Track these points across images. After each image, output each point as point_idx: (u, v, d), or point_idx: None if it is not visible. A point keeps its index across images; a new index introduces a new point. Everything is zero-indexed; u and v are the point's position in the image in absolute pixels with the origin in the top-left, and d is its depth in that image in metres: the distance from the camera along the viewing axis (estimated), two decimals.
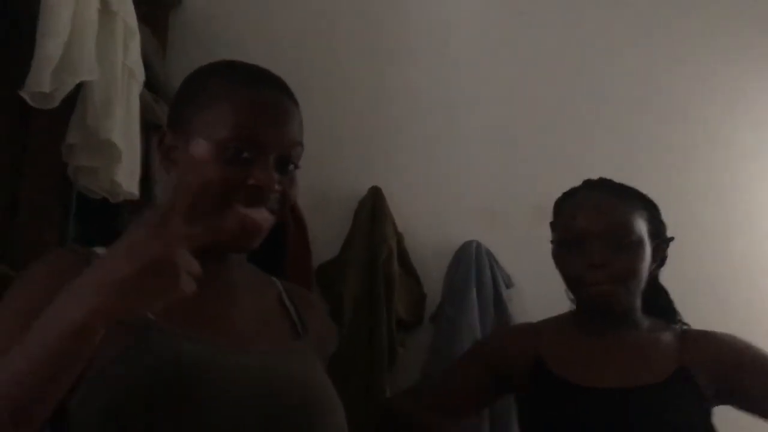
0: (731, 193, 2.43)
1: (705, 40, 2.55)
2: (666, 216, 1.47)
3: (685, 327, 1.46)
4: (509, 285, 2.22)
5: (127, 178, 1.46)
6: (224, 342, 0.93)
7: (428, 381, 1.62)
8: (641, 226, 1.37)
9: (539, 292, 2.16)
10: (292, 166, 0.99)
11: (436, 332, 2.11)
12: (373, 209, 2.16)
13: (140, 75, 1.57)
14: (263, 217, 0.95)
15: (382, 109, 2.37)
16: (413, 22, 2.45)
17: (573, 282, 1.39)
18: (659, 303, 1.48)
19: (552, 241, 1.46)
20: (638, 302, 1.40)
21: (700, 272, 2.25)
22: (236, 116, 0.95)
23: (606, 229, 1.34)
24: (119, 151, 1.39)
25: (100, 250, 0.96)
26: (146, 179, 1.68)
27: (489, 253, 2.21)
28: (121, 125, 1.41)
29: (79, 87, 1.34)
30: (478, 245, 2.20)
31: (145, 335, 0.87)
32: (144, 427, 0.83)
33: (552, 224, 1.48)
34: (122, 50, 1.45)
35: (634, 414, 1.28)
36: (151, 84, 1.80)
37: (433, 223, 2.29)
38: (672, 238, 1.46)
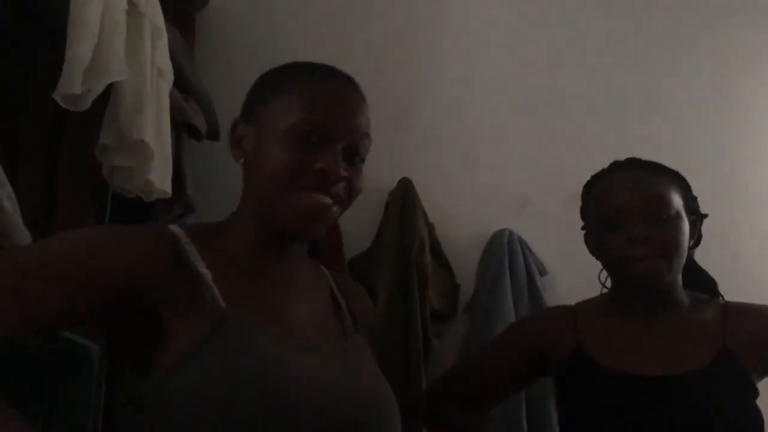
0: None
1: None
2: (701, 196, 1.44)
3: (731, 302, 1.41)
4: (543, 273, 2.20)
5: (160, 177, 1.47)
6: (294, 339, 0.95)
7: (463, 366, 1.60)
8: (678, 201, 1.34)
9: (573, 280, 2.14)
10: (358, 158, 1.01)
11: (471, 323, 2.11)
12: (403, 201, 2.16)
13: (169, 74, 1.59)
14: (328, 201, 0.96)
15: (410, 100, 2.37)
16: (443, 14, 2.44)
17: (615, 261, 1.35)
18: (701, 281, 1.44)
19: (584, 227, 1.44)
20: (680, 280, 1.37)
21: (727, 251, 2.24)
22: (308, 102, 0.98)
23: (645, 204, 1.31)
24: (151, 150, 1.40)
25: (175, 229, 0.97)
26: (177, 177, 1.69)
27: (522, 242, 2.20)
28: (152, 125, 1.42)
29: (110, 88, 1.36)
30: (511, 234, 2.19)
31: (222, 327, 0.88)
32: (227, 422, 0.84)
33: (582, 209, 1.45)
34: (150, 50, 1.47)
35: (674, 403, 1.26)
36: (180, 83, 1.82)
37: (464, 212, 2.28)
38: (706, 215, 1.43)
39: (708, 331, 1.33)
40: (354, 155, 1.00)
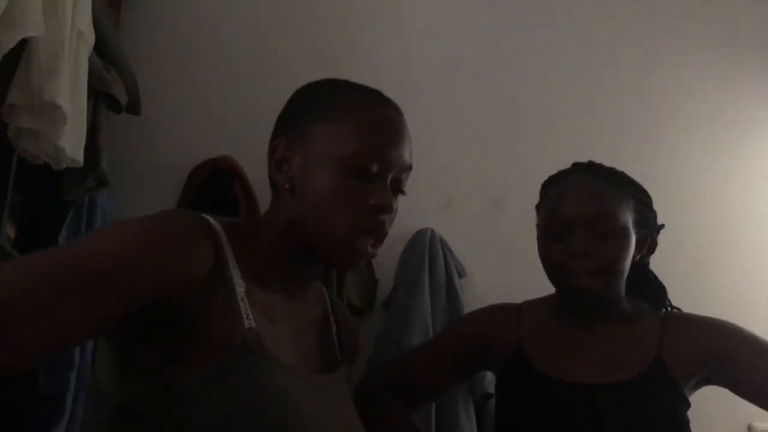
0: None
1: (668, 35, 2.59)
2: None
3: (675, 311, 1.42)
4: (462, 274, 2.20)
5: (72, 144, 1.39)
6: (304, 373, 0.94)
7: (404, 358, 1.58)
8: (627, 215, 1.32)
9: (492, 282, 2.16)
10: (400, 191, 1.01)
11: (388, 318, 2.09)
12: None
13: (90, 38, 1.50)
14: (376, 251, 0.97)
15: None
16: (377, 14, 2.41)
17: (555, 271, 1.35)
18: (649, 290, 1.44)
19: (537, 225, 1.43)
20: (621, 292, 1.37)
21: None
22: (366, 130, 0.95)
23: (590, 218, 1.30)
24: (64, 114, 1.32)
25: (215, 225, 0.91)
26: (92, 148, 1.61)
27: (443, 242, 2.19)
28: (68, 88, 1.34)
29: (24, 45, 1.28)
30: (433, 233, 2.18)
31: (248, 352, 0.85)
32: None
33: (537, 207, 1.44)
34: (71, 10, 1.38)
35: (601, 411, 1.26)
36: (103, 52, 1.73)
37: None
38: (662, 226, 1.43)
39: (645, 340, 1.34)
40: (399, 187, 1.00)
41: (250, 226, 1.00)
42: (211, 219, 0.91)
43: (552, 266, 1.35)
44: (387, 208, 0.94)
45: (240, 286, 0.89)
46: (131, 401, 0.83)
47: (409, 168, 1.01)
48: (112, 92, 1.75)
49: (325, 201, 0.93)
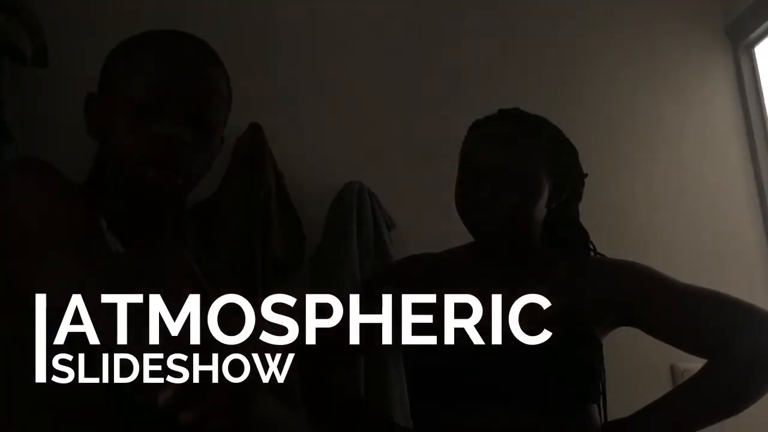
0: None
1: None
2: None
3: (591, 257, 1.43)
4: (391, 226, 2.19)
5: None
6: None
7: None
8: (537, 163, 1.32)
9: (421, 234, 2.15)
10: (205, 124, 0.98)
11: (315, 274, 2.06)
12: (252, 147, 2.06)
13: None
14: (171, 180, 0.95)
15: (264, 43, 2.27)
16: None
17: (463, 218, 1.35)
18: (571, 237, 1.44)
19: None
20: (532, 239, 1.37)
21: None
22: (143, 70, 0.96)
23: (499, 162, 1.29)
24: None
25: None
26: None
27: (371, 194, 2.17)
28: None
29: None
30: (361, 186, 2.15)
31: None
32: None
33: (460, 152, 1.42)
34: None
35: (516, 360, 1.25)
36: (4, 2, 1.63)
37: (315, 163, 2.22)
38: (586, 174, 1.43)
39: (557, 286, 1.34)
40: (194, 118, 0.97)
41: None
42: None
43: (462, 213, 1.35)
44: (171, 138, 0.93)
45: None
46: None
47: (207, 99, 0.98)
48: (15, 43, 1.64)
49: (116, 142, 0.94)
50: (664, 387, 1.75)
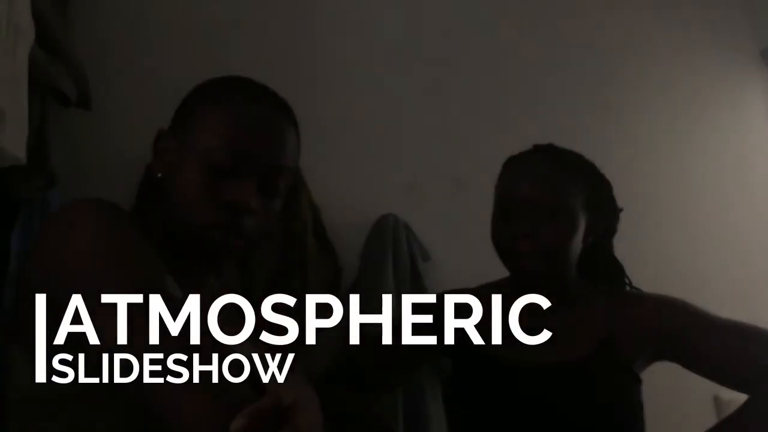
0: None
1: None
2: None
3: (628, 290, 1.43)
4: (426, 258, 2.20)
5: (13, 142, 1.34)
6: None
7: (359, 346, 1.56)
8: (575, 197, 1.32)
9: (456, 266, 2.16)
10: (275, 191, 0.97)
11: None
12: None
13: (30, 32, 1.45)
14: (235, 243, 0.94)
15: (299, 77, 2.30)
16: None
17: (502, 252, 1.36)
18: (607, 271, 1.45)
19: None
20: (569, 273, 1.37)
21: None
22: (226, 127, 0.94)
23: (535, 199, 1.30)
24: (2, 112, 1.27)
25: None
26: (40, 145, 1.56)
27: (406, 227, 2.18)
28: (6, 85, 1.29)
29: None
30: (396, 219, 2.17)
31: None
32: None
33: (496, 188, 1.43)
34: (7, 5, 1.33)
35: (553, 393, 1.27)
36: (47, 44, 1.68)
37: (350, 196, 2.24)
38: (621, 209, 1.43)
39: (594, 321, 1.34)
40: (270, 188, 0.96)
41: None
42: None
43: (499, 248, 1.36)
44: (241, 205, 0.92)
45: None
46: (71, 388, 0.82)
47: (280, 168, 0.97)
48: (59, 86, 1.70)
49: (184, 194, 0.93)
50: (708, 418, 1.71)
